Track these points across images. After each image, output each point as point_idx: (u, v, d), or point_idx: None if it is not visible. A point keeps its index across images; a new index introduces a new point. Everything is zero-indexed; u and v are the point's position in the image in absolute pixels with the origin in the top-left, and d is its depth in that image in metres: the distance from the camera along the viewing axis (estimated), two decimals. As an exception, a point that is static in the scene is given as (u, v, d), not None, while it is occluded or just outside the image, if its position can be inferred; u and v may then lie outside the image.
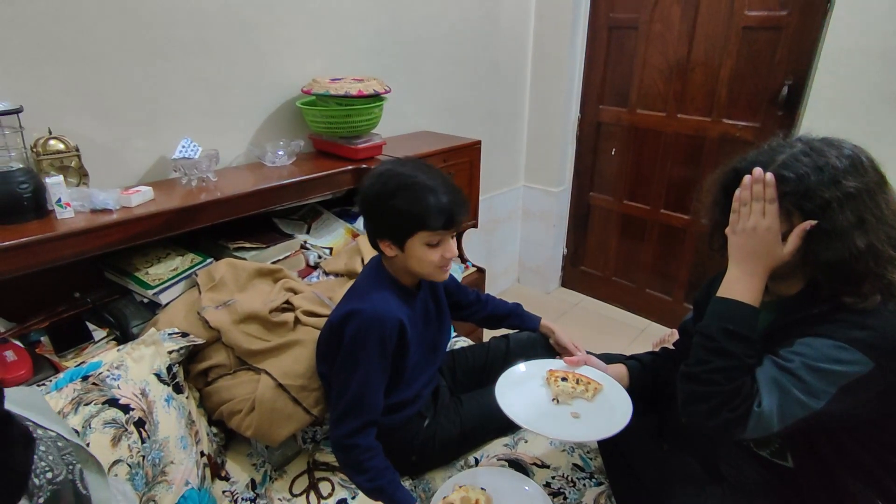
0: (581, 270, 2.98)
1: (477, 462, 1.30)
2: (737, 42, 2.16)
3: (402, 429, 1.22)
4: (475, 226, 2.23)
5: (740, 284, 0.90)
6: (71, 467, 0.57)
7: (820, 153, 0.85)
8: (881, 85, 1.82)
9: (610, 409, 1.09)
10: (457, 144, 2.03)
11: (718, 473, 1.07)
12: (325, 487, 1.23)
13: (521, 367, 1.23)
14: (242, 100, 1.66)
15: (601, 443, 1.25)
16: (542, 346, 1.43)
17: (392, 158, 1.15)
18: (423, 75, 2.19)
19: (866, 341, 0.81)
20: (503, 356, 1.42)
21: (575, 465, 1.28)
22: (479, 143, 2.10)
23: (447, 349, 1.48)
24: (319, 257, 1.73)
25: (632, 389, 1.19)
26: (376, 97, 1.71)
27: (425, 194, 1.07)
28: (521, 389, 1.16)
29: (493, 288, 2.90)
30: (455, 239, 1.16)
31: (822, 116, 1.98)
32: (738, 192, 0.90)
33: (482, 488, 1.15)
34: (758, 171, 0.87)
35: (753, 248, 0.89)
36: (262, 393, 1.20)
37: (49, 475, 0.56)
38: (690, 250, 2.53)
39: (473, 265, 2.26)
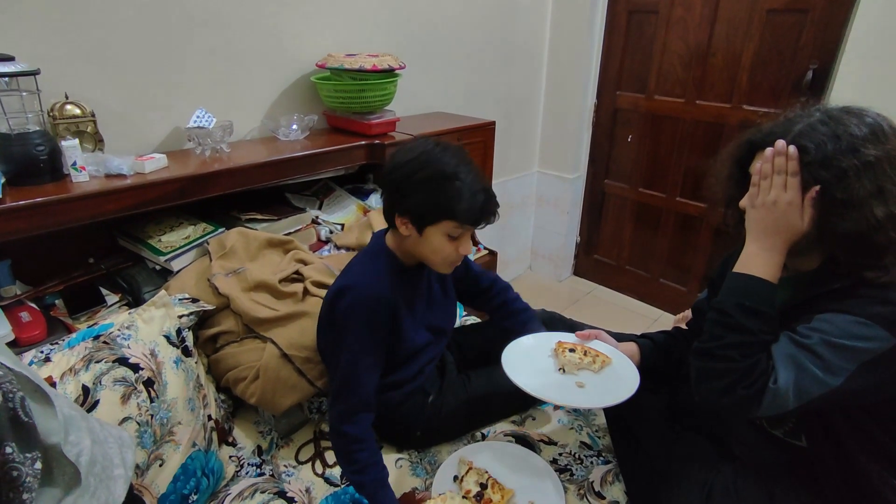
0: (594, 259, 2.95)
1: (484, 437, 1.29)
2: (760, 26, 2.11)
3: (404, 405, 1.21)
4: (488, 208, 2.21)
5: (759, 259, 0.87)
6: (11, 395, 0.55)
7: (839, 121, 0.83)
8: (911, 69, 1.76)
9: (616, 381, 1.07)
10: (471, 124, 2.01)
11: (730, 453, 1.05)
12: (330, 456, 1.23)
13: (530, 338, 1.22)
14: (258, 73, 1.65)
15: (610, 420, 1.24)
16: (552, 325, 1.42)
17: (430, 140, 1.11)
18: (439, 56, 2.17)
19: (888, 317, 0.78)
20: (511, 333, 1.40)
21: (583, 442, 1.27)
22: (493, 123, 2.08)
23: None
24: (331, 232, 1.73)
25: (643, 367, 1.17)
26: (391, 72, 1.70)
27: (463, 189, 1.02)
28: (528, 358, 1.15)
29: (505, 275, 2.88)
30: (471, 239, 1.12)
31: (850, 102, 1.92)
32: (757, 164, 0.88)
33: (486, 470, 1.14)
34: (780, 143, 0.85)
35: (774, 223, 0.86)
36: (267, 361, 1.20)
37: None
38: (707, 240, 2.49)
39: (486, 248, 2.25)
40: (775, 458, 0.99)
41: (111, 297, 1.33)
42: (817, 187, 0.82)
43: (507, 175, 2.71)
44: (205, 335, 1.29)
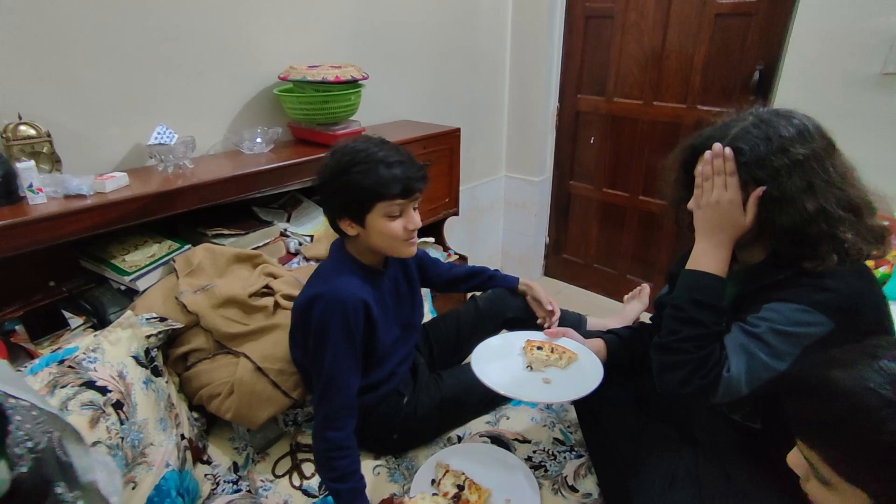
0: (563, 258, 3.02)
1: (459, 440, 1.32)
2: (709, 29, 2.21)
3: (381, 407, 1.23)
4: (456, 213, 2.25)
5: (707, 256, 0.93)
6: (49, 435, 0.56)
7: (769, 124, 0.89)
8: (848, 67, 1.87)
9: (581, 376, 1.11)
10: (436, 132, 2.04)
11: (693, 439, 1.10)
12: (308, 468, 1.24)
13: (499, 338, 1.25)
14: (219, 87, 1.65)
15: (581, 416, 1.27)
16: (509, 299, 1.47)
17: (341, 141, 1.15)
18: (402, 65, 2.19)
19: (826, 303, 0.84)
20: (473, 319, 1.45)
21: (556, 439, 1.30)
22: (458, 130, 2.12)
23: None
24: (300, 244, 1.73)
25: (610, 362, 1.22)
26: (354, 83, 1.72)
27: (376, 165, 1.06)
28: (497, 357, 1.19)
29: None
30: (417, 211, 1.15)
31: (792, 99, 2.02)
32: (699, 167, 0.93)
33: (462, 472, 1.17)
34: (717, 146, 0.90)
35: (718, 221, 0.92)
36: (242, 376, 1.20)
37: (29, 444, 0.55)
38: (669, 236, 2.58)
39: (456, 252, 2.28)
40: (734, 441, 1.04)
41: (75, 321, 1.31)
42: (763, 188, 0.88)
43: (476, 180, 2.75)
44: (175, 354, 1.28)
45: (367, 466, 1.23)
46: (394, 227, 1.11)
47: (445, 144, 2.08)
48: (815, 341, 0.84)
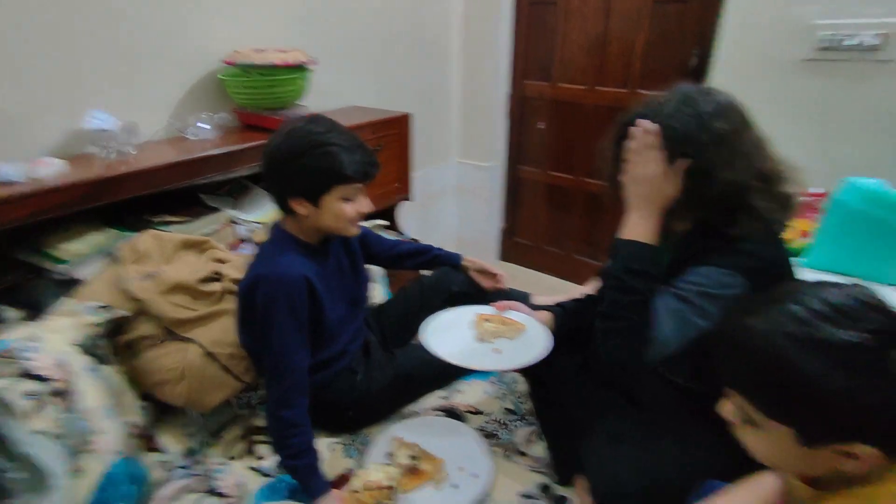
0: (516, 242, 3.09)
1: (415, 415, 1.35)
2: (648, 16, 2.30)
3: (334, 384, 1.25)
4: (408, 198, 2.27)
5: (638, 227, 0.99)
6: None
7: (692, 101, 0.96)
8: (773, 53, 1.99)
9: (529, 345, 1.16)
10: (386, 117, 2.05)
11: (638, 402, 1.17)
12: (263, 449, 1.24)
13: (449, 312, 1.29)
14: (162, 71, 1.60)
15: (531, 385, 1.33)
16: (453, 274, 1.52)
17: (298, 116, 1.16)
18: (351, 50, 2.18)
19: (745, 265, 0.92)
20: (419, 296, 1.49)
21: (507, 409, 1.36)
22: (408, 116, 2.13)
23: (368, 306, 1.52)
24: (250, 231, 1.71)
25: (558, 332, 1.27)
26: (300, 68, 1.70)
27: (338, 151, 1.09)
28: (448, 330, 1.23)
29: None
30: (366, 195, 1.18)
31: (727, 84, 2.08)
32: (628, 143, 0.99)
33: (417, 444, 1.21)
34: (644, 122, 0.97)
35: (647, 193, 0.98)
36: (192, 361, 1.19)
37: None
38: (613, 216, 2.67)
39: (409, 237, 2.30)
40: (677, 402, 1.12)
41: (11, 314, 1.26)
42: (687, 160, 0.94)
43: (427, 166, 2.77)
44: (122, 341, 1.25)
45: (322, 444, 1.25)
46: (347, 210, 1.14)
47: (395, 130, 2.09)
48: (734, 300, 0.92)
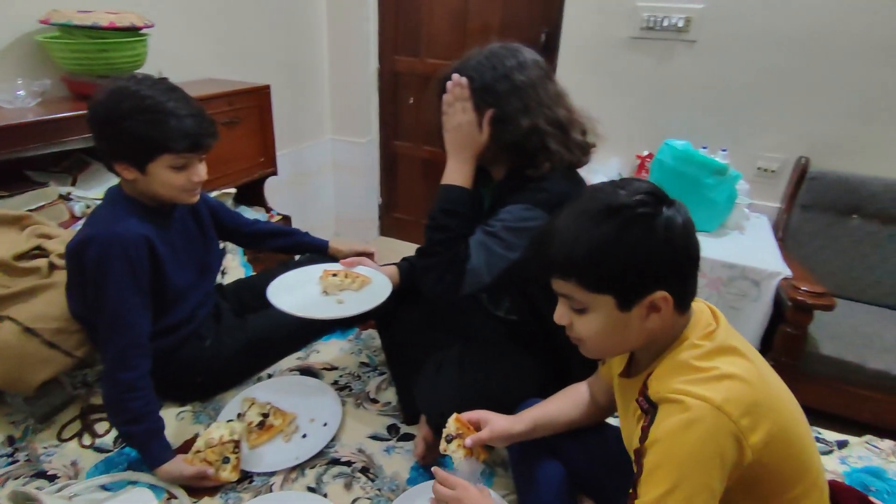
0: (395, 217, 3.14)
1: (270, 377, 1.36)
2: (502, -5, 2.43)
3: (180, 350, 1.22)
4: (274, 173, 2.23)
5: (454, 172, 1.08)
6: None
7: (497, 56, 1.06)
8: (610, 31, 2.21)
9: (372, 295, 1.22)
10: (242, 88, 1.98)
11: (471, 337, 1.27)
12: (101, 427, 1.18)
13: (297, 271, 1.31)
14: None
15: (382, 335, 1.39)
16: (320, 260, 1.49)
17: (129, 75, 1.10)
18: (206, 19, 2.07)
19: (543, 201, 1.03)
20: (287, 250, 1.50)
21: (362, 363, 1.41)
22: (268, 87, 2.08)
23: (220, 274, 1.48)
24: (88, 207, 1.59)
25: (403, 285, 1.34)
26: (134, 31, 1.60)
27: (166, 117, 1.03)
28: (294, 288, 1.25)
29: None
30: (204, 162, 1.15)
31: (572, 60, 2.34)
32: (444, 96, 1.07)
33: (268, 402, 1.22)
34: (455, 76, 1.05)
35: (461, 141, 1.07)
36: (6, 340, 1.10)
37: None
38: (485, 188, 2.82)
39: (278, 213, 2.26)
40: (500, 334, 1.23)
41: None
42: (492, 109, 1.03)
43: (300, 143, 2.73)
44: (-82, 327, 1.12)
45: (171, 414, 1.22)
46: (178, 179, 1.09)
47: (254, 102, 2.04)
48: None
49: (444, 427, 0.94)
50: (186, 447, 1.10)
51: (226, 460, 1.06)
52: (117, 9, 1.65)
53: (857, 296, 1.88)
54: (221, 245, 1.53)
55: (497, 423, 0.93)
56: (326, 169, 2.98)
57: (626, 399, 0.81)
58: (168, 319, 1.19)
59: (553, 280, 0.74)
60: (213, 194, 1.67)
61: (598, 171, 2.24)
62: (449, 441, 0.92)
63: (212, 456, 1.05)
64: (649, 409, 0.68)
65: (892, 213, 1.85)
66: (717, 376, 0.66)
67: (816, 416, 1.70)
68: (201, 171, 1.13)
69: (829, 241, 1.93)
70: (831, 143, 2.00)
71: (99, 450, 1.13)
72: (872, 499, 0.92)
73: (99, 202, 1.62)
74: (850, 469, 1.10)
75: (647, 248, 0.67)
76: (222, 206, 1.46)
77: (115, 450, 1.13)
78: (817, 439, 1.20)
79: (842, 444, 1.18)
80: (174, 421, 1.21)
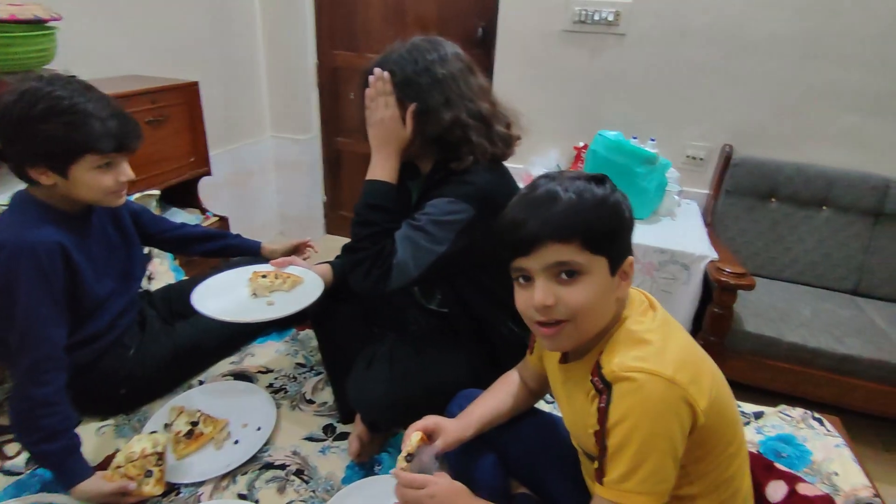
0: (341, 215, 3.10)
1: (202, 384, 1.31)
2: (438, -11, 2.43)
3: (102, 361, 1.16)
4: (208, 173, 2.15)
5: (378, 167, 1.07)
6: None
7: (419, 49, 1.05)
8: (544, 24, 2.24)
9: (303, 294, 1.19)
10: (168, 85, 1.90)
11: (407, 331, 1.27)
12: (11, 449, 1.11)
13: (224, 274, 1.27)
14: None
15: (319, 336, 1.36)
16: (254, 262, 1.46)
17: (32, 75, 1.03)
18: (123, 11, 1.96)
19: (468, 193, 1.03)
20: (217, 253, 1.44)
21: (298, 363, 1.38)
22: (195, 83, 2.00)
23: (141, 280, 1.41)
24: (-6, 214, 1.49)
25: (338, 283, 1.32)
26: (40, 24, 1.50)
27: (87, 119, 0.98)
28: (222, 291, 1.20)
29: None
30: (127, 162, 1.09)
31: (509, 53, 2.36)
32: (366, 91, 1.06)
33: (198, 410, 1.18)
34: (377, 70, 1.04)
35: (385, 135, 1.06)
36: None
37: None
38: (430, 182, 2.82)
39: (215, 215, 2.19)
40: (433, 326, 1.24)
41: None
42: (414, 103, 1.03)
43: (239, 141, 2.64)
44: None
45: (91, 429, 1.16)
46: (104, 180, 1.04)
47: (181, 99, 1.95)
48: (464, 225, 1.03)
49: (406, 440, 0.88)
50: (107, 464, 1.05)
51: (149, 473, 1.01)
52: (20, 0, 1.54)
53: (777, 274, 2.00)
54: (146, 250, 1.47)
55: (450, 434, 0.91)
56: (268, 167, 2.90)
57: (571, 384, 0.82)
58: (86, 330, 1.12)
59: (540, 252, 0.71)
60: (135, 196, 1.59)
61: (536, 163, 2.28)
62: (409, 460, 0.86)
63: (133, 470, 1.00)
64: (604, 388, 0.69)
65: (804, 196, 1.97)
66: (663, 348, 0.69)
67: (741, 389, 1.80)
68: (128, 170, 1.09)
69: (751, 224, 2.04)
70: (751, 131, 2.11)
71: (9, 473, 1.07)
72: (777, 464, 0.98)
73: (3, 207, 1.53)
74: (765, 438, 1.17)
75: (626, 211, 0.74)
76: (145, 210, 1.39)
77: (28, 472, 1.07)
78: (737, 412, 1.26)
79: (758, 415, 1.25)
80: (94, 436, 1.15)
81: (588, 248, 0.70)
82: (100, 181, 1.04)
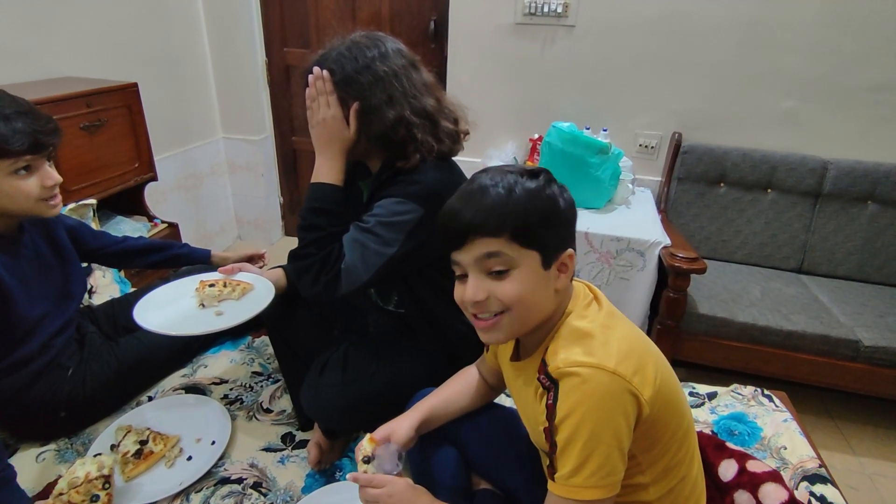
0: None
1: (151, 399, 1.26)
2: (388, -17, 2.39)
3: (36, 385, 1.09)
4: (154, 179, 2.06)
5: (323, 168, 1.04)
6: None
7: (358, 46, 1.02)
8: (495, 17, 2.23)
9: (254, 302, 1.15)
10: (104, 87, 1.80)
11: (366, 333, 1.25)
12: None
13: (168, 286, 1.21)
14: None
15: (275, 342, 1.33)
16: (204, 271, 1.41)
17: None
18: (49, 7, 1.86)
19: (416, 193, 1.02)
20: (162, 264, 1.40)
21: (254, 372, 1.35)
22: (135, 84, 1.91)
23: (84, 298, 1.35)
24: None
25: (292, 287, 1.28)
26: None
27: None
28: (167, 303, 1.16)
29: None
30: (52, 165, 1.05)
31: (461, 47, 2.35)
32: (307, 90, 1.03)
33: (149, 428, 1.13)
34: (316, 69, 1.01)
35: (328, 136, 1.03)
36: None
37: None
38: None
39: (163, 221, 2.10)
40: (392, 327, 1.22)
41: None
42: (357, 102, 1.00)
43: (188, 144, 2.55)
44: None
45: (29, 456, 1.10)
46: (27, 186, 0.99)
47: (120, 101, 1.86)
48: (414, 225, 1.01)
49: (358, 449, 0.87)
50: (48, 492, 1.00)
51: (95, 498, 0.96)
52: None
53: (728, 257, 2.07)
54: (85, 264, 1.39)
55: (401, 428, 0.90)
56: (220, 170, 2.81)
57: (522, 382, 0.82)
58: (17, 354, 1.06)
59: (470, 245, 0.71)
60: (69, 207, 1.51)
61: (493, 156, 2.28)
62: (367, 462, 0.86)
63: (76, 497, 0.95)
64: (550, 385, 0.70)
65: (750, 180, 2.04)
66: (606, 341, 0.69)
67: (697, 369, 1.86)
68: (53, 173, 1.03)
69: (703, 209, 2.09)
70: (699, 118, 2.16)
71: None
72: (728, 443, 1.01)
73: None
74: (718, 417, 1.20)
75: (563, 204, 0.73)
76: (83, 225, 1.32)
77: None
78: (691, 394, 1.29)
79: (711, 396, 1.29)
80: (34, 464, 1.09)
81: (517, 242, 0.70)
82: (21, 188, 0.99)
